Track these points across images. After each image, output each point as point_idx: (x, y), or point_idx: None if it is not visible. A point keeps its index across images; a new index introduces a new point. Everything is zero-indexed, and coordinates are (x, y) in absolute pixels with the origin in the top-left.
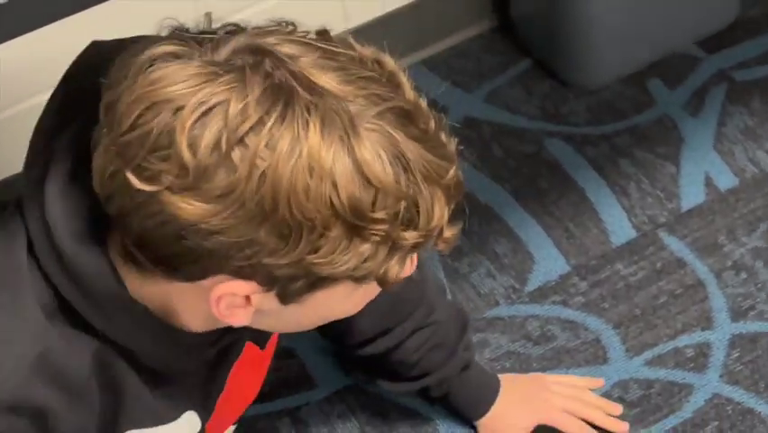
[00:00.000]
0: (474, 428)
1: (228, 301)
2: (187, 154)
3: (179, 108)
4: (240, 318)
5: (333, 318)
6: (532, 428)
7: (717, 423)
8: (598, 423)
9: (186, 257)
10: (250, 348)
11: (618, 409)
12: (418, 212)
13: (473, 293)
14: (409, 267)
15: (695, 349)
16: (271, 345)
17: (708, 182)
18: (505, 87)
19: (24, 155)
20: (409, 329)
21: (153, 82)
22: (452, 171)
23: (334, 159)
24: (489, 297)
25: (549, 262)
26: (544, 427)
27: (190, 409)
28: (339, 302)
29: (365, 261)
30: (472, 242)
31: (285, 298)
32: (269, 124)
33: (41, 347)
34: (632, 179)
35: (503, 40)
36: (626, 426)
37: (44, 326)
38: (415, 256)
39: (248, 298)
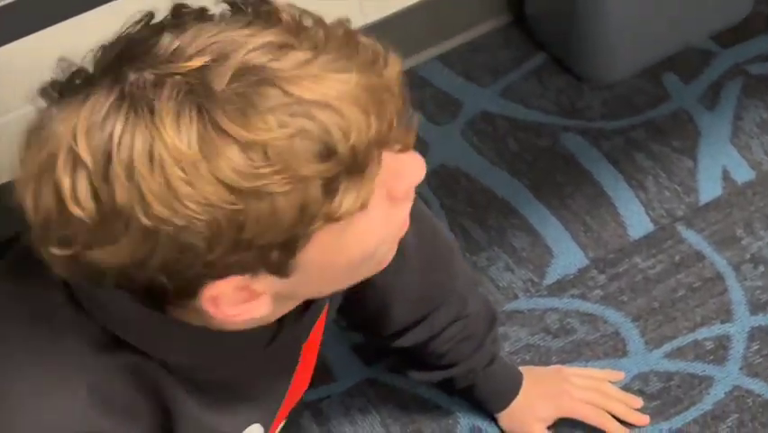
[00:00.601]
0: (494, 420)
1: (228, 300)
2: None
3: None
4: (261, 308)
5: (368, 257)
6: (552, 421)
7: (737, 415)
8: (619, 415)
9: (155, 290)
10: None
11: (639, 402)
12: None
13: (492, 287)
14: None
15: (714, 342)
16: (319, 328)
17: (726, 176)
18: (520, 81)
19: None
20: (446, 321)
21: None
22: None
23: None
24: (508, 290)
25: (567, 255)
26: (564, 419)
27: (254, 421)
28: (339, 245)
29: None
30: (490, 236)
31: (278, 271)
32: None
33: (87, 380)
34: (649, 172)
35: (518, 35)
36: (646, 418)
37: (84, 359)
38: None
39: (249, 290)
